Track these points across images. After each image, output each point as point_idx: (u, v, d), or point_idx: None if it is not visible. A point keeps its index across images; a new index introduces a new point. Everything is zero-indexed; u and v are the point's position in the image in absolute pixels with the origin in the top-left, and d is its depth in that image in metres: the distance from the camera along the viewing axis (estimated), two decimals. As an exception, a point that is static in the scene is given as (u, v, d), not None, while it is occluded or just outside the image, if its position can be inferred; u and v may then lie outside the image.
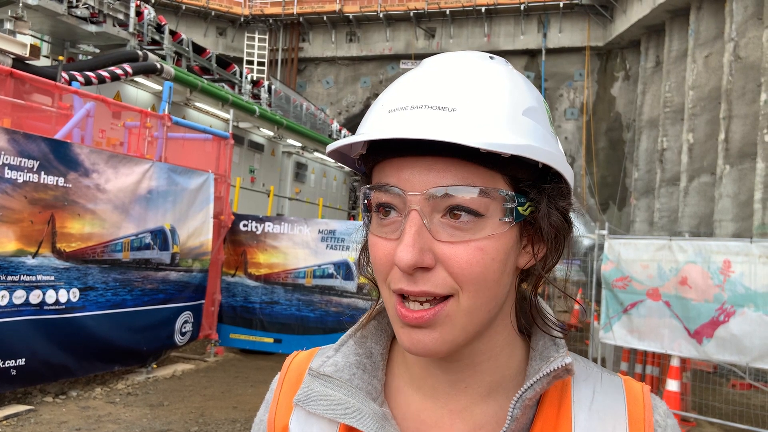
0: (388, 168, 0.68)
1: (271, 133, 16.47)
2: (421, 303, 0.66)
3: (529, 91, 0.70)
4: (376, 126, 0.67)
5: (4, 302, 5.44)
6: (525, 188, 0.68)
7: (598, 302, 7.42)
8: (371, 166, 0.71)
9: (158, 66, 11.37)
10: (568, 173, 0.69)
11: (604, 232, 7.48)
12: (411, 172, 0.66)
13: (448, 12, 24.74)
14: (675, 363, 6.57)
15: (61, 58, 10.69)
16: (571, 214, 0.73)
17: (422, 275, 0.65)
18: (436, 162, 0.65)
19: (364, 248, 0.79)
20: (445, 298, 0.66)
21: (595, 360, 7.53)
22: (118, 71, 10.30)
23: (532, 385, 0.69)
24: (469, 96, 0.65)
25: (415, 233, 0.64)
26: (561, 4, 23.32)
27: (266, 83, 17.92)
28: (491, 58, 0.71)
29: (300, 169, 18.37)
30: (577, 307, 12.61)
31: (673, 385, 6.51)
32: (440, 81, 0.67)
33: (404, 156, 0.66)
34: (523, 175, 0.68)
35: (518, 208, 0.67)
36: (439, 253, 0.65)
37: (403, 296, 0.67)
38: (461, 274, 0.65)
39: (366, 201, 0.71)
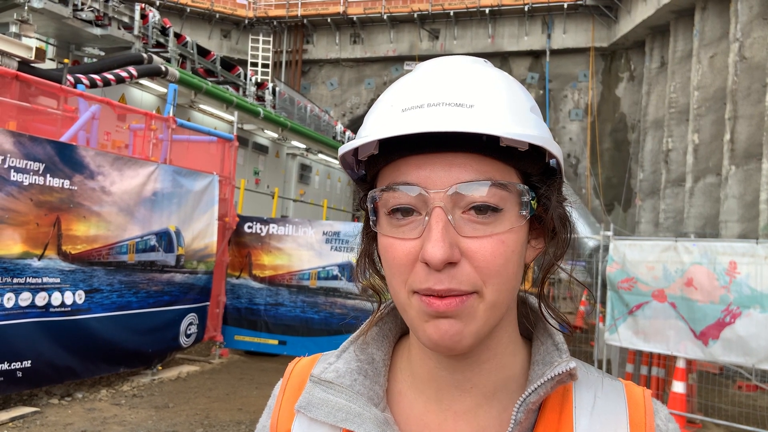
0: (404, 167, 0.68)
1: (276, 135, 16.49)
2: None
3: (526, 91, 0.72)
4: (392, 125, 0.66)
5: (10, 304, 5.46)
6: (535, 182, 0.70)
7: (604, 304, 7.40)
8: (378, 168, 0.71)
9: (163, 68, 11.40)
10: (562, 166, 0.72)
11: (609, 233, 7.46)
12: (432, 169, 0.66)
13: (451, 13, 24.71)
14: (681, 365, 6.54)
15: (66, 61, 10.73)
16: (567, 207, 0.75)
17: (448, 271, 0.65)
18: (456, 158, 0.66)
19: (364, 253, 0.79)
20: (469, 294, 0.67)
21: (600, 362, 7.51)
22: (123, 74, 10.33)
23: (536, 389, 0.70)
24: (484, 93, 0.66)
25: (443, 229, 0.65)
26: (565, 5, 23.27)
27: (270, 85, 17.93)
28: (485, 62, 0.73)
29: (304, 170, 18.38)
30: (582, 308, 12.59)
31: (678, 386, 6.48)
32: (451, 80, 0.67)
33: (423, 153, 0.66)
34: (533, 170, 0.70)
35: (531, 202, 0.69)
36: (464, 248, 0.66)
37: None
38: (486, 267, 0.66)
39: (373, 203, 0.71)
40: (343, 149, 0.70)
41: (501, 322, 0.73)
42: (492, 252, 0.66)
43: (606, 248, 7.44)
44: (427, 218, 0.66)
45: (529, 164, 0.69)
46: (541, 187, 0.70)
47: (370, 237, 0.78)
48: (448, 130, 0.61)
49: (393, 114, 0.67)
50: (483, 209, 0.66)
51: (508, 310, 0.74)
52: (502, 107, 0.66)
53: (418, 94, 0.67)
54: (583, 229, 17.04)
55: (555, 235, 0.74)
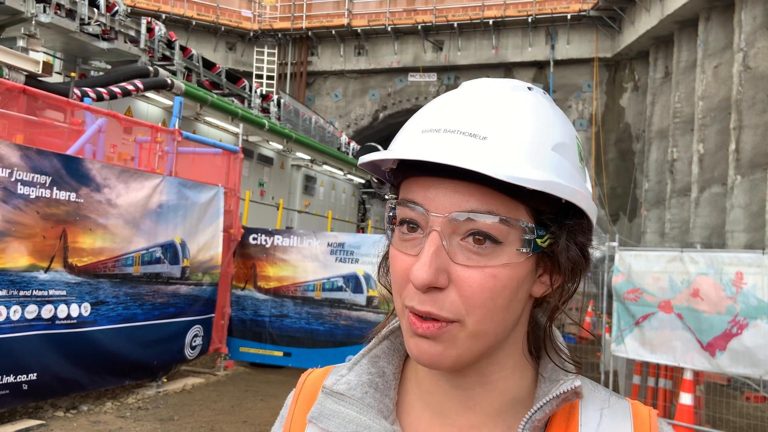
0: (415, 186, 0.70)
1: (281, 147, 16.54)
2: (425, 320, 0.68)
3: (563, 126, 0.71)
4: (408, 145, 0.69)
5: (17, 317, 5.48)
6: (546, 221, 0.69)
7: (610, 314, 7.37)
8: (400, 180, 0.74)
9: (169, 81, 11.47)
10: (591, 211, 0.70)
11: (615, 243, 7.44)
12: (436, 193, 0.67)
13: (455, 25, 24.81)
14: (688, 376, 6.50)
15: (73, 74, 10.81)
16: (590, 250, 0.74)
17: (433, 294, 0.67)
18: (461, 186, 0.66)
19: (385, 257, 0.81)
20: (450, 321, 0.67)
21: (607, 373, 7.47)
22: (130, 87, 10.39)
23: (541, 407, 0.71)
24: (502, 126, 0.66)
25: (433, 253, 0.66)
26: (569, 16, 23.35)
27: (275, 97, 18.00)
28: (529, 88, 0.72)
29: (309, 182, 18.41)
30: (588, 319, 12.55)
31: (686, 398, 6.44)
32: (475, 107, 0.68)
33: (431, 176, 0.68)
34: (546, 208, 0.69)
35: (537, 240, 0.68)
36: (453, 275, 0.67)
37: None
38: (471, 297, 0.66)
39: (390, 214, 0.73)
40: (364, 159, 0.72)
41: (504, 348, 0.74)
42: (480, 284, 0.66)
43: (611, 259, 7.42)
44: (424, 239, 0.68)
45: (541, 202, 0.67)
46: (552, 225, 0.69)
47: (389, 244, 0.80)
48: (448, 163, 0.62)
49: (414, 133, 0.69)
50: (482, 239, 0.66)
51: (512, 338, 0.75)
52: (516, 143, 0.65)
53: (441, 117, 0.68)
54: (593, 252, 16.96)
55: (566, 276, 0.72)
